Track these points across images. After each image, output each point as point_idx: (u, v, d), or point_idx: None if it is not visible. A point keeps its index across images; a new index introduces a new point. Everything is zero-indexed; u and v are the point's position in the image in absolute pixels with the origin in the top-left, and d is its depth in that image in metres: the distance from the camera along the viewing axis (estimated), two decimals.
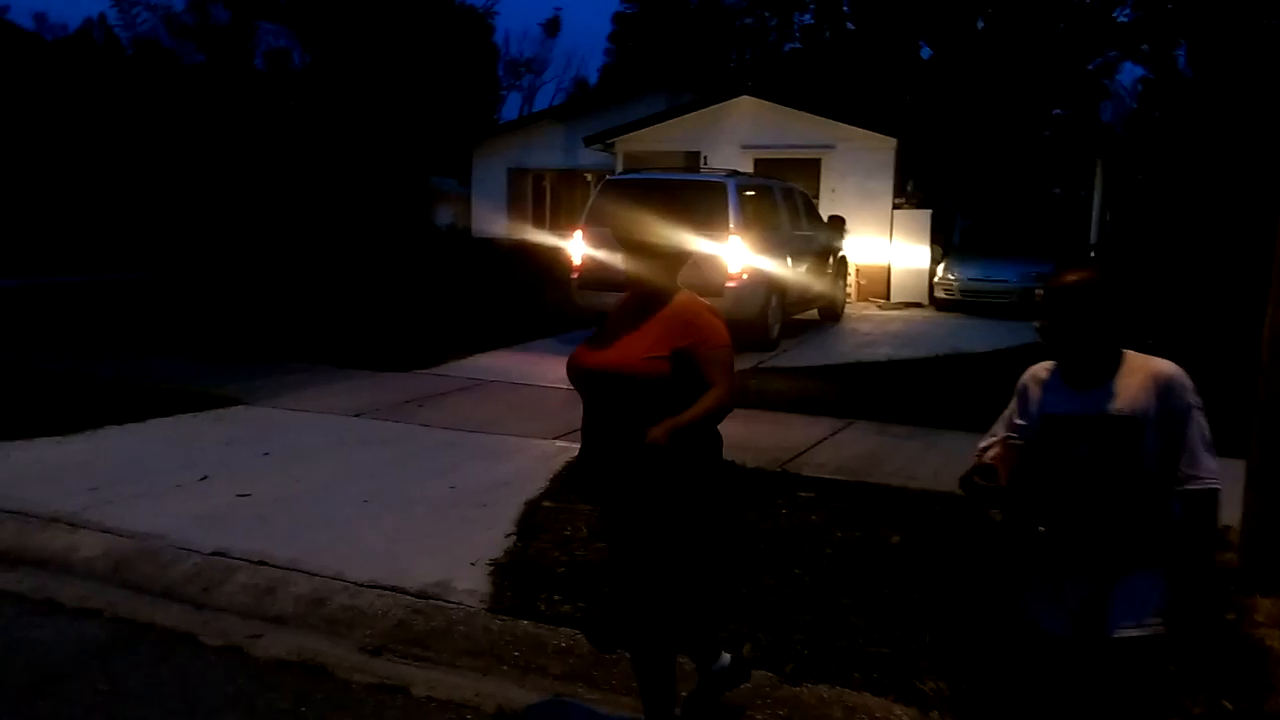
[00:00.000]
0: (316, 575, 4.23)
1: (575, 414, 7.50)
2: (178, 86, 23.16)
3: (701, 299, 2.95)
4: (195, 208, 19.48)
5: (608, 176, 12.91)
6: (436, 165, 24.29)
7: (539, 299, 13.68)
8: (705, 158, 16.18)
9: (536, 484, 5.54)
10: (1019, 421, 2.44)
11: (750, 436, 6.53)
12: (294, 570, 4.27)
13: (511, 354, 10.28)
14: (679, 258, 2.96)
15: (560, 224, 18.23)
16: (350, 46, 24.12)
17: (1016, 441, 2.41)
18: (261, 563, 4.30)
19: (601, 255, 10.26)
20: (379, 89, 23.72)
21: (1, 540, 4.61)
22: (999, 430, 2.51)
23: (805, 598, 3.98)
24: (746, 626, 3.70)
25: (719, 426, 2.86)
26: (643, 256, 2.88)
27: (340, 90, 24.24)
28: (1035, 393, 2.43)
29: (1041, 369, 2.45)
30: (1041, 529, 2.36)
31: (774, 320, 10.82)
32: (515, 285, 15.38)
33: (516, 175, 20.62)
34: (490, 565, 4.33)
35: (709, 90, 17.90)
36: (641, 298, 2.90)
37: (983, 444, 2.51)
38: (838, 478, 5.74)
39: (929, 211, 15.67)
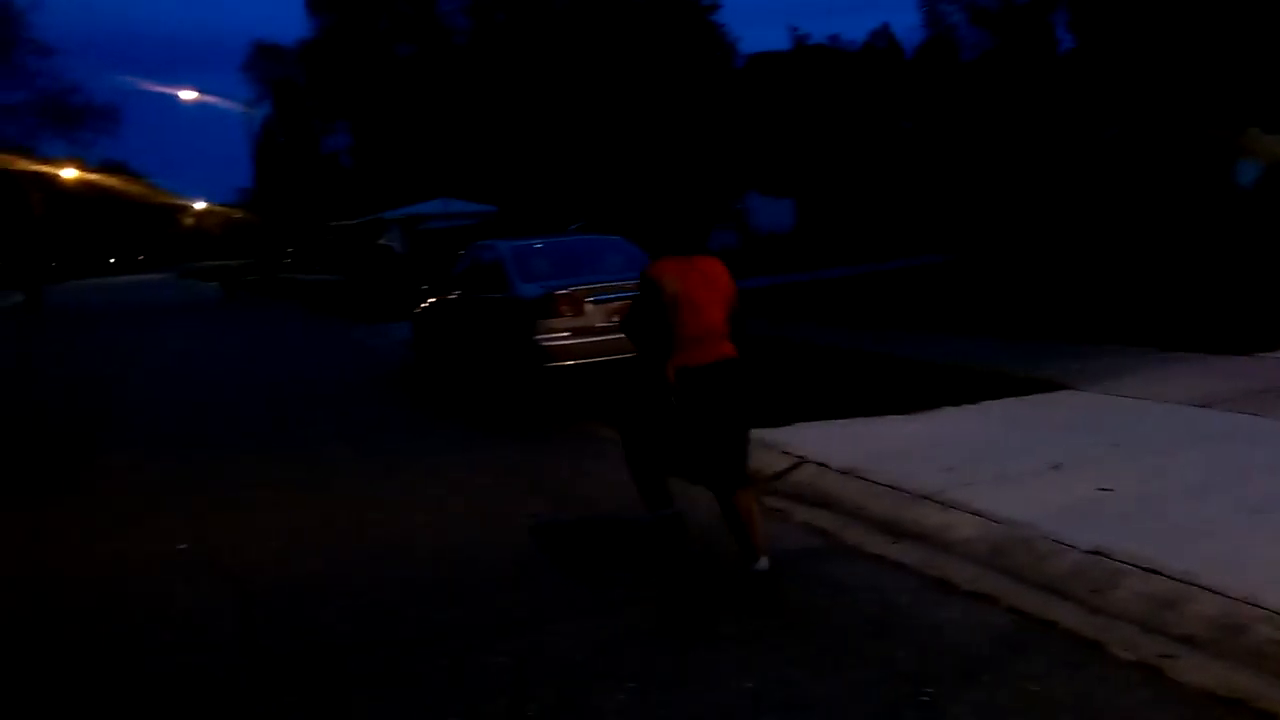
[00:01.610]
0: (1221, 595, 3.65)
1: None
2: (961, 78, 23.95)
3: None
4: (992, 190, 19.94)
5: None
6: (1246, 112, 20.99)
7: None
8: None
9: None
10: None
11: None
12: (1190, 585, 3.75)
13: None
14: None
15: None
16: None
17: None
18: (1152, 570, 3.86)
19: None
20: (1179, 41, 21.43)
21: (881, 511, 4.99)
22: None
23: None
24: None
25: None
26: None
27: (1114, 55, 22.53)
28: None
29: None
30: None
31: None
32: None
33: None
34: None
35: None
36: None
37: None
38: None
39: None
